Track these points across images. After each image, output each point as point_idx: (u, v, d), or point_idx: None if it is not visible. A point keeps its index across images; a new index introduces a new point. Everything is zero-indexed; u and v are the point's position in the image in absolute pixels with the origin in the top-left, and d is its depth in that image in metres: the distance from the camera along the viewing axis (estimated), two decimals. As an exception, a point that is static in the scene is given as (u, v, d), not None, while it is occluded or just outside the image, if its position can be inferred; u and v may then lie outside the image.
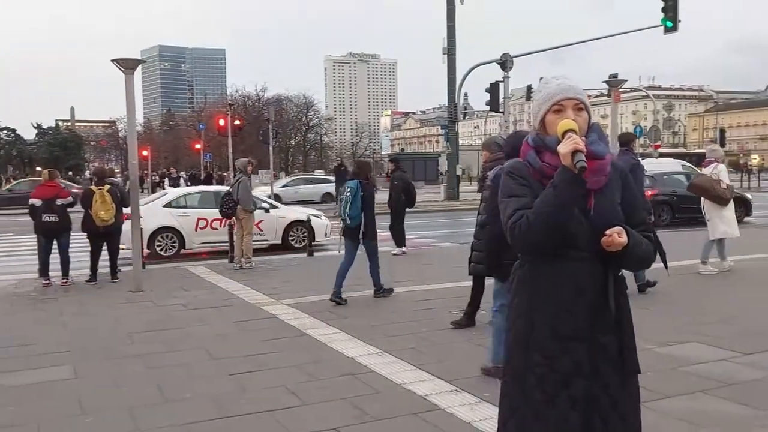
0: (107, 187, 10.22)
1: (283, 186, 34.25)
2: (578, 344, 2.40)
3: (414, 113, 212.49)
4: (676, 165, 24.41)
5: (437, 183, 43.92)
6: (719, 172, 9.83)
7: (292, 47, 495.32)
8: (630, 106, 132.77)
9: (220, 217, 12.77)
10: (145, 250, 12.67)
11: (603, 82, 14.64)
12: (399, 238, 13.04)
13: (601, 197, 2.44)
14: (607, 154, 2.48)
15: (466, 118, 45.74)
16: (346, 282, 8.29)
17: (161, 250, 13.36)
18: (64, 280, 10.10)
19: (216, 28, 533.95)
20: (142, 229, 10.52)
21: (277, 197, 23.69)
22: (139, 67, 10.19)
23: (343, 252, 8.45)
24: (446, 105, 35.99)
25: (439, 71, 36.59)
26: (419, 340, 6.42)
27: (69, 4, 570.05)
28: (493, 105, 29.23)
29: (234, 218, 11.75)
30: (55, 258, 10.21)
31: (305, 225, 14.07)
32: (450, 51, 33.30)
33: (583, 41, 31.81)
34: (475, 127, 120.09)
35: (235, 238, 11.96)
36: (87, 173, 64.06)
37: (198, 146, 57.79)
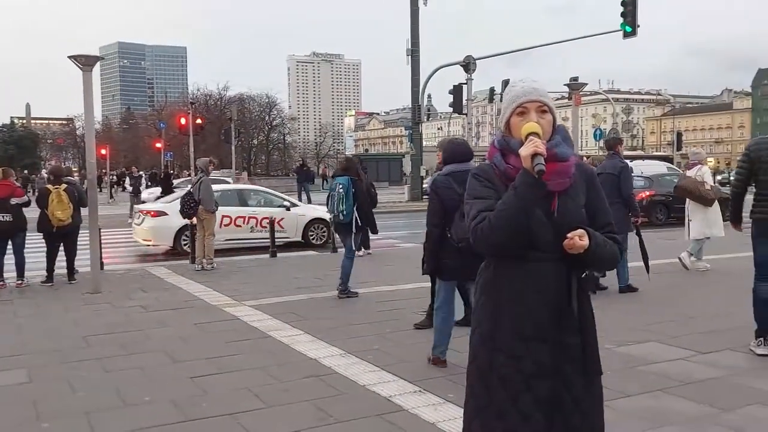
0: (64, 186, 9.99)
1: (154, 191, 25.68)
2: (541, 345, 2.42)
3: (378, 114, 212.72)
4: (662, 167, 25.24)
5: (401, 184, 44.04)
6: (703, 174, 10.14)
7: (255, 46, 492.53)
8: (590, 109, 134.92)
9: (244, 215, 14.05)
10: (165, 247, 13.69)
11: (564, 85, 14.84)
12: (363, 240, 12.99)
13: (565, 199, 2.46)
14: (571, 156, 2.50)
15: (430, 119, 45.94)
16: (313, 282, 8.24)
17: (187, 246, 13.39)
18: (19, 282, 9.83)
19: (177, 26, 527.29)
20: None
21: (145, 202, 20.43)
22: (98, 64, 10.00)
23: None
24: (410, 106, 36.10)
25: (402, 72, 36.72)
26: (383, 341, 6.41)
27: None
28: (457, 107, 29.44)
29: (195, 218, 11.60)
30: (10, 259, 9.94)
31: (325, 223, 14.41)
32: (414, 52, 33.37)
33: (545, 44, 32.29)
34: (438, 129, 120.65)
35: (196, 239, 11.81)
36: (43, 172, 62.55)
37: (158, 145, 56.95)
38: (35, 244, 10.70)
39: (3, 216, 9.70)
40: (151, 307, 8.22)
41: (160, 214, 13.93)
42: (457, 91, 29.03)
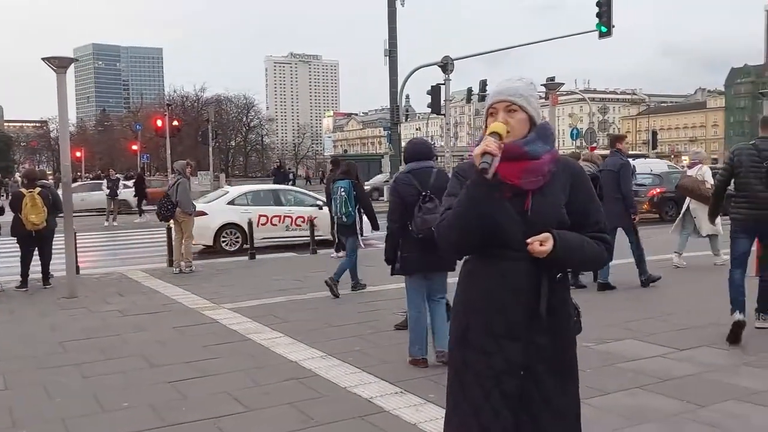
0: (38, 189, 9.85)
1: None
2: (512, 343, 2.42)
3: (356, 114, 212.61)
4: (662, 165, 25.58)
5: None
6: (704, 173, 10.32)
7: (232, 47, 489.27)
8: (567, 109, 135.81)
9: (279, 214, 14.52)
10: (202, 245, 13.70)
11: (541, 85, 14.98)
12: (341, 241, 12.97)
13: (539, 198, 2.43)
14: (543, 153, 2.45)
15: (408, 119, 45.88)
16: (293, 284, 8.20)
17: (226, 245, 14.06)
18: (-7, 287, 9.69)
19: (152, 27, 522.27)
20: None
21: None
22: (72, 66, 9.87)
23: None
24: (388, 107, 36.07)
25: (381, 73, 36.71)
26: (364, 342, 6.40)
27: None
28: (435, 107, 29.49)
29: (173, 221, 11.50)
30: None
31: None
32: (391, 53, 33.28)
33: (522, 45, 32.47)
34: (417, 129, 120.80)
35: (173, 241, 11.70)
36: (17, 175, 61.62)
37: (135, 147, 56.33)
38: (9, 248, 10.53)
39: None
40: (129, 312, 8.13)
41: (200, 213, 13.83)
42: (435, 91, 29.09)
